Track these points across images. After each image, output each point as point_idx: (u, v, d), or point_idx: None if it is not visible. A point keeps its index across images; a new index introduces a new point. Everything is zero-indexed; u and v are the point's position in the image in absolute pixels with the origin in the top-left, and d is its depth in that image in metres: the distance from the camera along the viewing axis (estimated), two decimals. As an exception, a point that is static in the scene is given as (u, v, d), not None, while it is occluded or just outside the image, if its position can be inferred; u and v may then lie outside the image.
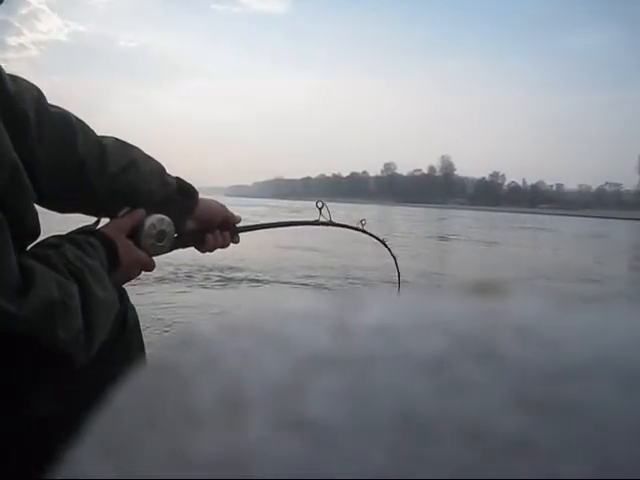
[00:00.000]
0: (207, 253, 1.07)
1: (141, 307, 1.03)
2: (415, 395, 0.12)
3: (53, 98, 0.92)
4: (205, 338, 0.15)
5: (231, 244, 1.08)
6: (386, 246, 1.23)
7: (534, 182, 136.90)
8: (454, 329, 0.14)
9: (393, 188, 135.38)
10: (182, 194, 1.01)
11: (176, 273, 5.93)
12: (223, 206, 1.08)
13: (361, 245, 9.52)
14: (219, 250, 1.07)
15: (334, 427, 0.11)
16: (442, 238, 15.60)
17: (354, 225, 1.18)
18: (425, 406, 0.12)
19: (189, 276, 5.97)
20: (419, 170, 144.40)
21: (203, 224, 1.04)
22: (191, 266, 6.29)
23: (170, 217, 0.97)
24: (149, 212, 0.95)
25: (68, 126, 0.91)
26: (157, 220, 0.95)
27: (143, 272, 0.95)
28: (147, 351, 1.01)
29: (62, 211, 0.97)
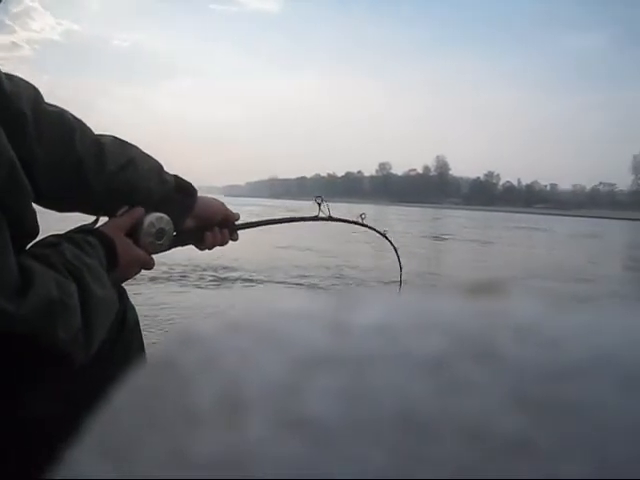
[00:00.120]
0: (200, 252, 1.07)
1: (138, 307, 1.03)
2: (414, 395, 0.12)
3: (46, 97, 0.91)
4: (205, 337, 0.15)
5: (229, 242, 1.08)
6: (387, 238, 1.23)
7: (529, 182, 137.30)
8: (452, 329, 0.14)
9: (388, 188, 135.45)
10: (181, 192, 1.00)
11: (170, 273, 5.92)
12: (222, 204, 1.08)
13: (358, 245, 9.53)
14: (216, 248, 1.07)
15: (334, 427, 0.11)
16: (437, 238, 15.63)
17: (354, 219, 1.18)
18: (424, 406, 0.12)
19: (183, 276, 5.96)
20: (414, 170, 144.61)
21: (202, 222, 1.04)
22: (185, 266, 6.28)
23: (169, 215, 0.97)
24: (148, 210, 0.95)
25: (65, 124, 0.91)
26: (156, 218, 0.95)
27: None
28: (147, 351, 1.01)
29: (60, 210, 0.96)
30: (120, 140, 0.97)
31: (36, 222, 0.82)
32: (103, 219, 0.93)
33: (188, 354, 0.14)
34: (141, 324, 1.01)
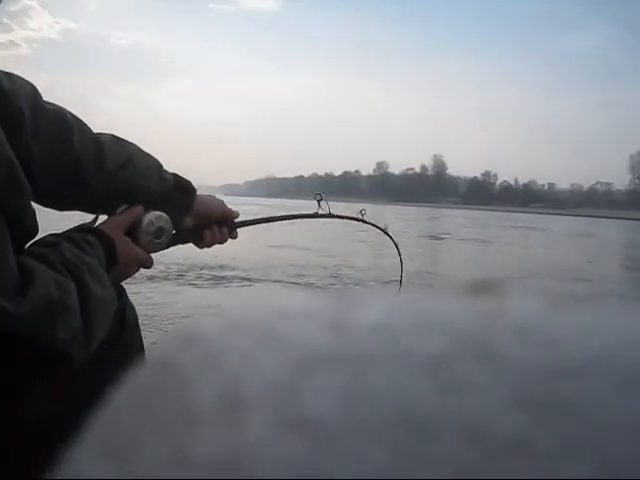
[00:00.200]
0: (198, 250, 1.07)
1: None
2: (414, 394, 0.12)
3: (44, 96, 0.91)
4: (205, 337, 0.15)
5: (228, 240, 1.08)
6: (387, 234, 1.23)
7: (526, 181, 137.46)
8: (452, 328, 0.14)
9: (385, 187, 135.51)
10: (180, 191, 1.00)
11: (166, 271, 5.92)
12: (221, 202, 1.08)
13: (357, 244, 9.53)
14: (215, 247, 1.07)
15: (334, 426, 0.11)
16: (434, 237, 15.64)
17: (354, 216, 1.18)
18: (424, 405, 0.12)
19: (180, 275, 5.95)
20: (411, 169, 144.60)
21: (201, 220, 1.04)
22: (182, 265, 6.28)
23: (168, 214, 0.97)
24: (147, 209, 0.95)
25: (64, 123, 0.91)
26: (155, 217, 0.95)
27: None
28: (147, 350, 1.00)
29: (60, 208, 0.96)
30: (119, 139, 0.97)
31: (35, 221, 0.82)
32: (102, 217, 0.93)
33: (188, 354, 0.14)
34: (140, 324, 1.01)
